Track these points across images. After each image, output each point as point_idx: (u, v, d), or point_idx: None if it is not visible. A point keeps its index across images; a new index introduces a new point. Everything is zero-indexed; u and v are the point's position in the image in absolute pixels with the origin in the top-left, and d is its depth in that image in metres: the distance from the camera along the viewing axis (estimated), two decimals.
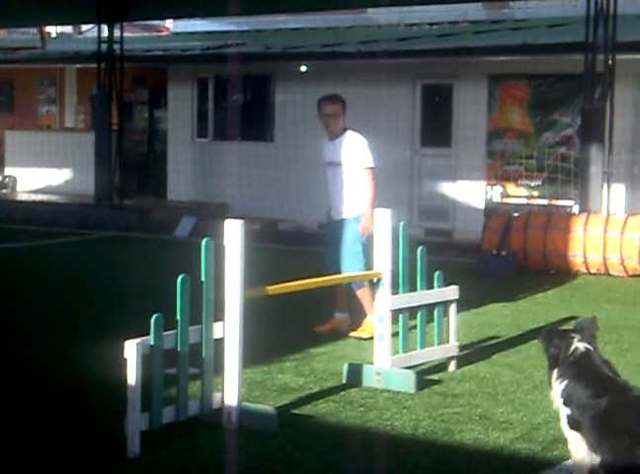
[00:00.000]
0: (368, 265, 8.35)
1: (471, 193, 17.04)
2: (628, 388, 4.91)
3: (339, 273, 8.66)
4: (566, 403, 5.04)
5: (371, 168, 9.03)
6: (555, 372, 5.16)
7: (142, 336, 5.77)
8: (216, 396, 6.24)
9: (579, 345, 5.13)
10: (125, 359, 5.70)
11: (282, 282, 6.82)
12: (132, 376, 5.67)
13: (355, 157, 8.96)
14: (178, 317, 5.96)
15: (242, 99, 19.77)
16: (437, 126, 17.57)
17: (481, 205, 16.85)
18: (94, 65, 19.40)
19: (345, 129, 9.20)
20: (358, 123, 17.54)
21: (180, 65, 20.14)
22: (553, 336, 5.27)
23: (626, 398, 4.83)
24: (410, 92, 17.56)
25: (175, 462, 5.55)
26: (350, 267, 8.72)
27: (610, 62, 14.48)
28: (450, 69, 17.15)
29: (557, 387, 5.13)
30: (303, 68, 18.53)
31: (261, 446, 5.83)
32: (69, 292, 11.14)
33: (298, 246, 15.95)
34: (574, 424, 4.99)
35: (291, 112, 18.73)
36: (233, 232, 6.18)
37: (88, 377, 7.24)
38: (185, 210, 18.34)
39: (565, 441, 5.20)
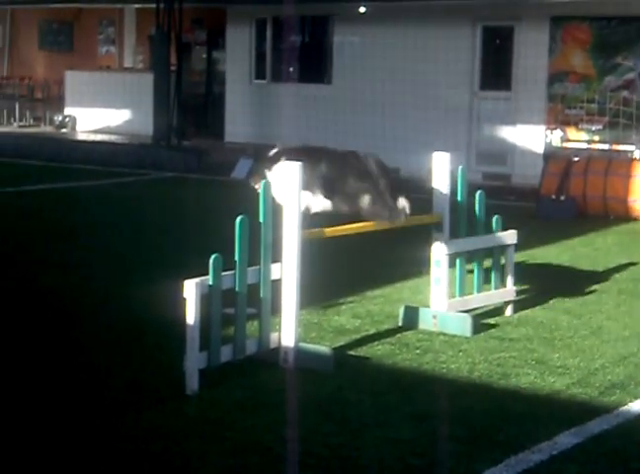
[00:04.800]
0: None
1: (530, 136, 16.84)
2: None
3: None
4: None
5: None
6: None
7: (201, 276, 5.83)
8: (273, 336, 6.30)
9: None
10: (184, 299, 5.77)
11: (339, 225, 6.83)
12: (191, 315, 5.75)
13: None
14: (236, 258, 6.00)
15: (300, 40, 19.66)
16: (496, 69, 17.35)
17: (540, 150, 16.66)
18: (153, 5, 19.39)
19: None
20: (416, 65, 17.56)
21: (238, 6, 20.05)
22: None
23: None
24: (470, 34, 17.32)
25: (232, 400, 5.63)
26: None
27: None
28: (512, 11, 16.88)
29: None
30: (362, 9, 18.35)
31: (317, 386, 5.89)
32: (127, 232, 11.25)
33: None
34: None
35: (350, 53, 18.60)
36: (292, 174, 6.19)
37: (146, 316, 7.34)
38: (242, 152, 18.36)
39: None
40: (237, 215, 6.04)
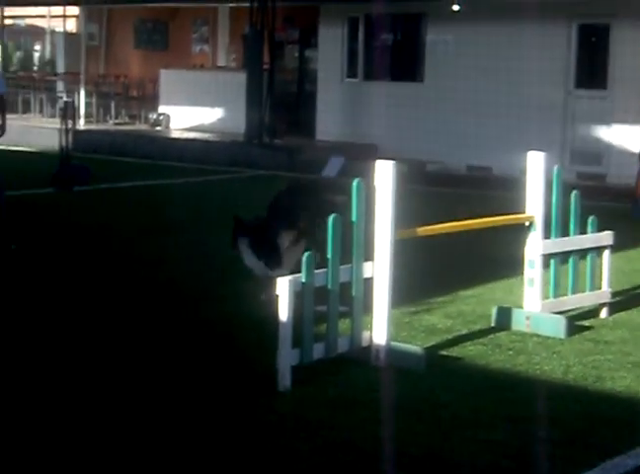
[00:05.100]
0: None
1: (627, 136, 16.53)
2: None
3: None
4: None
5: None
6: None
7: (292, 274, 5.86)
8: (365, 335, 6.30)
9: None
10: (277, 296, 5.81)
11: (431, 224, 6.81)
12: (284, 312, 5.78)
13: None
14: (329, 256, 6.02)
15: (392, 38, 19.61)
16: (592, 67, 17.08)
17: (637, 149, 16.32)
18: (246, 4, 19.54)
19: None
20: (509, 63, 17.37)
21: (331, 4, 20.09)
22: None
23: None
24: (565, 32, 17.07)
25: (324, 397, 5.65)
26: None
27: None
28: (608, 9, 16.59)
29: None
30: (456, 7, 18.21)
31: (409, 386, 5.88)
32: (220, 229, 11.33)
33: (447, 187, 15.86)
34: None
35: (442, 51, 18.49)
36: (385, 173, 6.19)
37: (240, 312, 7.42)
38: (333, 150, 18.41)
39: None
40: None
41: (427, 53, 18.83)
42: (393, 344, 6.31)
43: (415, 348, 6.41)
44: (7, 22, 28.59)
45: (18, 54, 28.78)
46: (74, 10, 25.72)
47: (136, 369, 6.11)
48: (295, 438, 5.05)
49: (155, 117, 23.12)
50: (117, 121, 23.81)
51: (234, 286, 8.28)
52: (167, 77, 23.28)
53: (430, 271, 8.97)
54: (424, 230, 6.69)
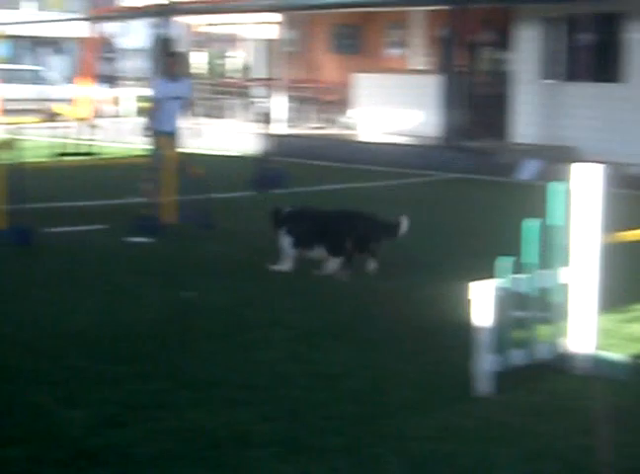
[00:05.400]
0: None
1: None
2: None
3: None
4: None
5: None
6: None
7: (485, 278, 5.77)
8: (566, 342, 6.15)
9: None
10: (471, 301, 5.73)
11: (634, 229, 6.58)
12: (481, 318, 5.70)
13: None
14: (529, 261, 5.90)
15: (592, 38, 19.12)
16: None
17: None
18: (441, 7, 19.46)
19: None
20: None
21: (527, 5, 19.78)
22: None
23: None
24: None
25: (525, 405, 5.54)
26: None
27: None
28: None
29: None
30: None
31: (613, 395, 5.68)
32: (410, 232, 11.31)
33: None
34: None
35: None
36: (593, 177, 6.00)
37: (432, 316, 7.37)
38: (528, 153, 18.11)
39: None
40: (523, 217, 5.95)
41: (630, 53, 18.26)
42: (596, 351, 6.13)
43: (619, 356, 6.20)
44: (205, 29, 29.54)
45: (218, 62, 29.65)
46: (270, 17, 26.27)
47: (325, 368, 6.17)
48: (493, 445, 4.96)
49: (348, 120, 23.32)
50: (312, 126, 24.16)
51: (427, 289, 8.24)
52: (360, 81, 23.46)
53: (629, 276, 8.65)
54: (631, 235, 6.47)
